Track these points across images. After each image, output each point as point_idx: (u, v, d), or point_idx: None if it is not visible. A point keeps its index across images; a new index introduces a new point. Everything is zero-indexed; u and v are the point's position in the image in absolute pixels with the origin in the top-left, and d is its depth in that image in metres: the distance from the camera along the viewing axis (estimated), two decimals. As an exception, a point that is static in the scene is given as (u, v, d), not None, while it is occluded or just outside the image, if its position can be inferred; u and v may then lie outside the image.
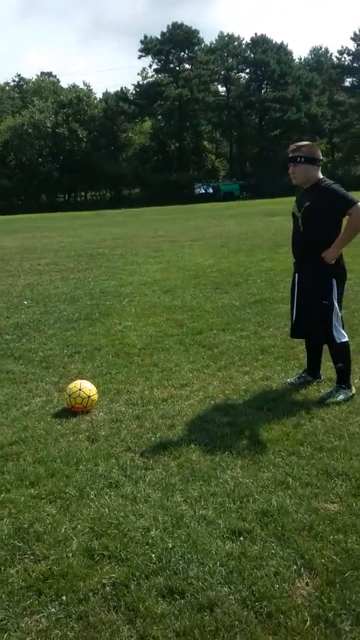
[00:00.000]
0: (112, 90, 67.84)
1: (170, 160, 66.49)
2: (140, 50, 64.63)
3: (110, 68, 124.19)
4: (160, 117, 66.67)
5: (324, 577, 2.32)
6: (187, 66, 65.43)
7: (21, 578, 2.44)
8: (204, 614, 2.18)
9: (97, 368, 5.17)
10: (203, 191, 57.17)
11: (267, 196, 50.32)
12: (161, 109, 64.75)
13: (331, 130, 67.51)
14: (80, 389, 4.14)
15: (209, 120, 66.42)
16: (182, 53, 65.12)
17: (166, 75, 65.26)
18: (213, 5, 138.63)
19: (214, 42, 66.86)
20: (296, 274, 4.33)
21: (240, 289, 8.25)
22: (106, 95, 66.33)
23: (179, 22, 63.85)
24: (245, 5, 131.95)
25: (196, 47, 64.91)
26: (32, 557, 2.57)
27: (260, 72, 64.97)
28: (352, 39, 67.94)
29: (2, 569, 2.51)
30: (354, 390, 4.18)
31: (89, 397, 4.15)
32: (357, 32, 67.10)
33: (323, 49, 71.16)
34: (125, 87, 65.78)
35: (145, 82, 65.81)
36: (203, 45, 65.67)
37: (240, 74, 68.18)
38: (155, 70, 65.84)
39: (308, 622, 2.09)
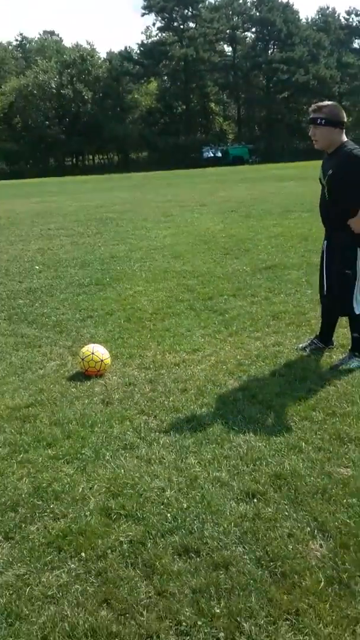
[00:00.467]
0: (116, 49, 66.07)
1: (177, 123, 65.26)
2: (144, 8, 62.79)
3: (113, 25, 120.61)
4: (165, 77, 65.12)
5: (338, 540, 2.36)
6: (191, 24, 63.54)
7: (41, 535, 2.50)
8: (219, 572, 2.24)
9: (110, 332, 5.19)
10: (211, 155, 56.27)
11: (277, 160, 49.48)
12: (166, 70, 63.15)
13: (340, 93, 65.81)
14: (93, 353, 4.17)
15: (215, 82, 64.87)
16: (186, 11, 63.13)
17: (170, 34, 63.38)
18: None
19: (218, -1, 64.70)
20: (325, 241, 4.23)
21: (250, 254, 8.20)
22: (110, 54, 64.78)
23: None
24: None
25: (200, 5, 62.84)
26: (51, 515, 2.63)
27: (267, 32, 63.09)
28: (365, -3, 65.61)
29: (23, 526, 2.57)
30: None
31: (102, 360, 4.18)
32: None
33: (330, 10, 68.89)
34: (129, 47, 64.35)
35: (149, 41, 64.04)
36: (207, 2, 63.56)
37: (246, 33, 66.23)
38: (159, 28, 64.05)
39: (322, 583, 2.14)
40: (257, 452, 3.05)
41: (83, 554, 2.38)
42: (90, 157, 65.82)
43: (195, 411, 3.57)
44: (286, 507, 2.59)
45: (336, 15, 68.45)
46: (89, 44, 68.56)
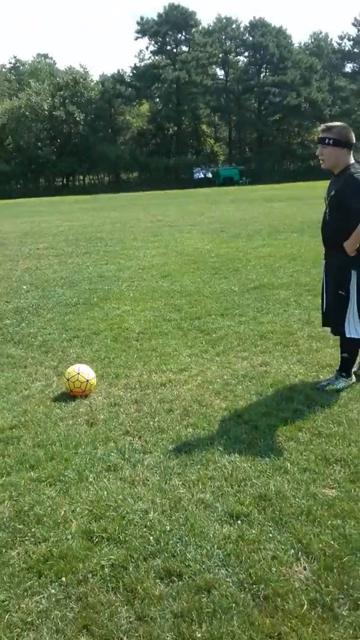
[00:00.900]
0: (108, 72, 66.96)
1: (169, 144, 66.00)
2: (137, 32, 63.87)
3: (107, 50, 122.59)
4: (157, 100, 65.96)
5: (322, 562, 2.34)
6: (184, 48, 64.66)
7: (22, 560, 2.46)
8: (201, 596, 2.21)
9: (96, 352, 5.17)
10: (202, 176, 56.88)
11: (267, 182, 50.05)
12: (159, 92, 64.00)
13: (332, 116, 66.87)
14: (78, 373, 4.15)
15: (207, 104, 65.75)
16: (179, 35, 64.31)
17: (163, 57, 64.40)
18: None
19: (212, 24, 66.03)
20: (324, 261, 4.24)
21: (239, 274, 8.24)
22: (103, 77, 65.60)
23: (176, 4, 62.98)
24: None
25: (193, 29, 64.11)
26: (32, 539, 2.59)
27: (259, 56, 64.27)
28: (353, 24, 67.36)
29: (4, 551, 2.53)
30: (354, 378, 4.19)
31: (87, 381, 4.15)
32: (358, 18, 66.50)
33: (323, 34, 70.31)
34: (122, 69, 65.27)
35: (142, 64, 64.99)
36: (200, 27, 64.85)
37: (238, 57, 67.40)
38: (152, 52, 65.07)
39: (305, 606, 2.12)
40: (242, 473, 3.03)
41: (64, 579, 2.34)
42: (81, 177, 66.21)
43: (180, 432, 3.55)
44: (270, 528, 2.57)
45: (329, 39, 69.83)
46: (82, 67, 69.43)
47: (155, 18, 62.71)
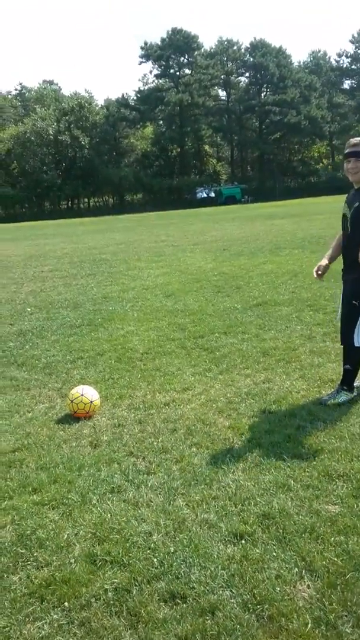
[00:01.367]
0: (113, 96, 68.16)
1: (172, 165, 66.75)
2: (141, 56, 65.11)
3: (111, 74, 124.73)
4: (161, 122, 66.99)
5: (325, 580, 2.32)
6: (187, 71, 65.80)
7: (24, 585, 2.45)
8: (205, 618, 2.18)
9: (100, 373, 5.18)
10: (205, 195, 57.38)
11: (268, 199, 50.39)
12: (162, 114, 65.07)
13: (331, 133, 67.59)
14: (82, 394, 4.16)
15: (209, 125, 66.66)
16: (182, 58, 65.51)
17: (167, 80, 65.60)
18: (212, 10, 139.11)
19: (214, 46, 67.22)
20: (343, 277, 4.26)
21: (241, 292, 8.26)
22: (107, 101, 66.69)
23: (179, 28, 64.24)
24: (243, 11, 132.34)
25: (196, 52, 65.31)
26: (34, 564, 2.58)
27: (260, 76, 65.28)
28: (351, 41, 68.28)
29: (5, 576, 2.52)
30: (355, 392, 4.18)
31: (91, 402, 4.16)
32: (356, 35, 67.36)
33: (322, 52, 71.36)
34: (126, 93, 66.45)
35: (146, 87, 66.18)
36: (203, 50, 66.02)
37: (240, 78, 68.52)
38: (155, 75, 66.27)
39: (309, 625, 2.09)
40: (246, 491, 3.01)
41: (66, 604, 2.33)
42: (86, 200, 67.00)
43: (184, 451, 3.54)
44: (274, 547, 2.55)
45: (327, 57, 70.83)
46: (87, 92, 70.78)
47: (159, 42, 63.93)
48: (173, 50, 63.85)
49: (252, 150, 69.10)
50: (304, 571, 2.38)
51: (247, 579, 2.37)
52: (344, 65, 69.14)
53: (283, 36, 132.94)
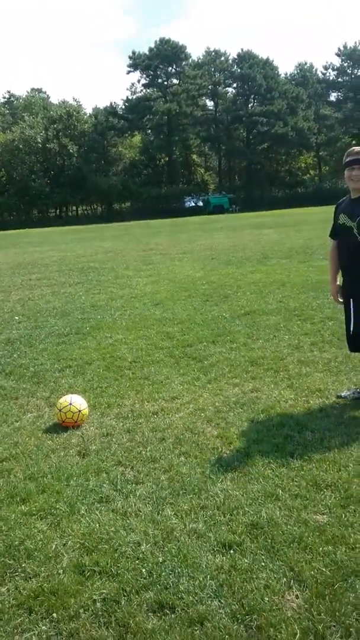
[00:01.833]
0: (101, 105, 68.36)
1: (160, 174, 67.06)
2: (129, 66, 65.47)
3: (99, 83, 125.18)
4: (149, 131, 67.36)
5: (314, 590, 2.32)
6: (175, 81, 66.30)
7: (12, 596, 2.43)
8: (194, 629, 2.18)
9: (88, 382, 5.17)
10: (193, 204, 57.71)
11: (256, 209, 50.75)
12: (150, 124, 65.45)
13: (318, 144, 68.38)
14: (70, 404, 4.15)
15: (197, 134, 67.16)
16: (170, 68, 66.01)
17: (155, 90, 66.07)
18: (200, 21, 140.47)
19: (201, 57, 67.86)
20: (349, 286, 4.28)
21: (229, 301, 8.30)
22: (96, 110, 66.87)
23: (167, 38, 64.77)
24: (231, 22, 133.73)
25: (184, 62, 65.86)
26: (22, 575, 2.56)
27: (247, 87, 65.98)
28: (337, 54, 69.17)
29: (-8, 587, 2.50)
30: None
31: (79, 411, 4.15)
32: (342, 48, 68.30)
33: (308, 65, 72.22)
34: (114, 102, 66.61)
35: (134, 97, 66.53)
36: (190, 60, 66.57)
37: (227, 88, 69.16)
38: (143, 85, 66.67)
39: (298, 635, 2.10)
40: (235, 501, 3.02)
41: (55, 615, 2.31)
42: (74, 208, 66.97)
43: (172, 460, 3.54)
44: (262, 557, 2.56)
45: (314, 70, 71.66)
46: (76, 100, 70.91)
47: (147, 52, 64.35)
48: (161, 60, 64.37)
49: (240, 160, 69.64)
50: (292, 581, 2.39)
51: (236, 589, 2.37)
52: (330, 78, 70.08)
53: (270, 48, 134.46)
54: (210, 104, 69.33)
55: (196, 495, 3.12)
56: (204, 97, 68.23)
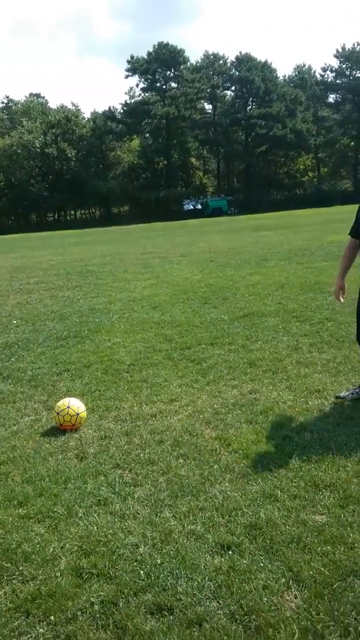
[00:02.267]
0: (100, 109, 68.51)
1: (159, 178, 67.18)
2: (127, 70, 65.66)
3: (98, 88, 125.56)
4: (148, 135, 67.49)
5: (313, 590, 2.32)
6: (173, 85, 66.48)
7: (9, 599, 2.42)
8: (192, 630, 2.17)
9: (86, 385, 5.16)
10: (191, 207, 57.81)
11: (255, 211, 50.82)
12: (149, 127, 65.56)
13: (317, 146, 68.54)
14: (68, 407, 4.14)
15: (196, 138, 67.28)
16: (169, 72, 66.17)
17: (153, 93, 66.21)
18: (198, 25, 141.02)
19: (200, 60, 68.07)
20: None
21: (228, 303, 8.30)
22: (94, 114, 67.01)
23: (165, 42, 64.93)
24: (229, 25, 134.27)
25: (182, 66, 66.04)
26: (20, 578, 2.55)
27: (246, 90, 66.14)
28: (335, 56, 69.42)
29: (-10, 590, 2.49)
30: None
31: (77, 414, 4.14)
32: (340, 50, 68.52)
33: (307, 67, 72.51)
34: (113, 107, 66.79)
35: (132, 101, 66.68)
36: (189, 64, 66.77)
37: (225, 91, 69.36)
38: (142, 89, 66.86)
39: (296, 635, 2.09)
40: (233, 502, 3.01)
41: (52, 617, 2.30)
42: (73, 212, 67.07)
43: (171, 463, 3.53)
44: (261, 558, 2.55)
45: (312, 71, 71.93)
46: (74, 105, 71.07)
47: (145, 56, 64.52)
48: (159, 64, 64.54)
49: (238, 162, 69.80)
50: (291, 581, 2.38)
51: (235, 589, 2.36)
52: (329, 80, 70.31)
53: (268, 50, 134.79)
54: (208, 107, 69.63)
55: (194, 497, 3.11)
56: (202, 101, 68.44)
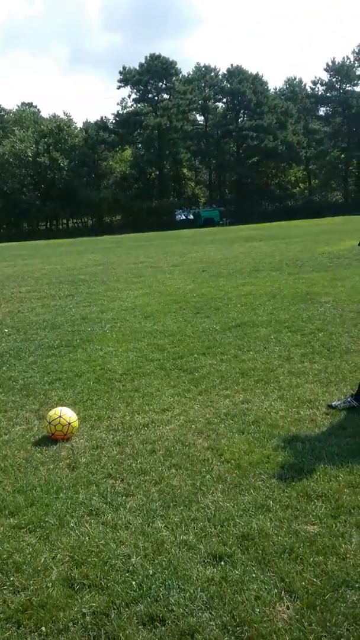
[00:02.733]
0: (92, 119, 68.78)
1: (151, 188, 67.42)
2: (120, 81, 66.05)
3: (90, 98, 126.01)
4: (140, 145, 67.83)
5: (305, 600, 2.32)
6: (165, 96, 66.93)
7: (0, 610, 2.40)
8: (185, 641, 2.16)
9: (78, 394, 5.15)
10: (184, 217, 58.02)
11: (246, 222, 51.07)
12: (141, 138, 65.95)
13: (307, 158, 69.17)
14: (60, 416, 4.13)
15: (188, 149, 67.71)
16: (161, 83, 66.67)
17: (145, 104, 66.64)
18: (190, 37, 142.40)
19: (191, 72, 68.62)
20: None
21: (220, 313, 8.32)
22: (86, 124, 67.26)
23: (157, 54, 65.45)
24: (221, 38, 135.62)
25: (174, 78, 66.56)
26: (11, 589, 2.53)
27: (237, 102, 66.76)
28: (325, 69, 70.27)
29: (-20, 601, 2.46)
30: None
31: (69, 424, 4.13)
32: (330, 63, 69.36)
33: (297, 80, 73.37)
34: (105, 117, 66.97)
35: (124, 111, 67.04)
36: (180, 75, 67.32)
37: (217, 103, 69.96)
38: (134, 100, 67.27)
39: (289, 646, 2.09)
40: (225, 512, 3.01)
41: (43, 629, 2.29)
42: (65, 221, 67.08)
43: (163, 472, 3.53)
44: (253, 568, 2.55)
45: (303, 85, 72.79)
46: (66, 114, 71.29)
47: (137, 68, 64.97)
48: (151, 75, 65.02)
49: (230, 173, 70.26)
50: (283, 592, 2.38)
51: (227, 600, 2.36)
52: (319, 93, 71.11)
53: (259, 63, 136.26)
54: (200, 118, 70.09)
55: (187, 507, 3.10)
56: (194, 112, 68.91)
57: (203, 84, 68.28)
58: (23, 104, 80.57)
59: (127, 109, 67.27)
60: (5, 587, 2.54)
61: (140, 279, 13.10)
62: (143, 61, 65.41)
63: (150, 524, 2.96)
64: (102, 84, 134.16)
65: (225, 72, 67.66)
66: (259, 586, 2.43)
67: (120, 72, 65.66)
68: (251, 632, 2.17)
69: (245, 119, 67.10)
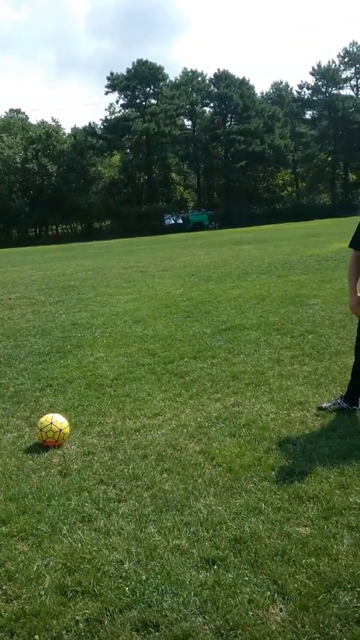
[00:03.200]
0: (80, 125, 68.73)
1: (140, 193, 67.48)
2: (107, 87, 66.08)
3: (78, 104, 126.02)
4: (128, 150, 67.89)
5: (298, 602, 2.32)
6: (153, 101, 67.05)
7: (-8, 619, 2.39)
8: (178, 646, 2.16)
9: (69, 401, 5.14)
10: (173, 222, 58.03)
11: (235, 225, 51.24)
12: (129, 143, 66.00)
13: (295, 161, 69.57)
14: (51, 423, 4.11)
15: (176, 153, 67.86)
16: (148, 88, 66.78)
17: (133, 110, 66.73)
18: (177, 42, 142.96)
19: (179, 77, 68.78)
20: None
21: (210, 316, 8.34)
22: (75, 130, 67.20)
23: (144, 59, 65.59)
24: (207, 43, 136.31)
25: (161, 83, 66.71)
26: (3, 597, 2.52)
27: (224, 106, 67.02)
28: (311, 73, 70.76)
29: (-28, 611, 2.45)
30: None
31: (60, 430, 4.12)
32: (316, 67, 69.87)
33: (284, 84, 73.72)
34: (93, 122, 66.93)
35: (112, 117, 67.03)
36: (168, 81, 67.48)
37: (204, 108, 70.14)
38: (122, 105, 67.29)
39: (282, 648, 2.09)
40: (217, 516, 3.02)
41: (37, 637, 2.28)
42: (54, 227, 66.93)
43: (155, 477, 3.53)
44: (246, 571, 2.55)
45: (289, 89, 73.16)
46: (54, 120, 71.27)
47: (125, 73, 65.06)
48: (139, 80, 65.12)
49: (218, 177, 70.43)
50: (276, 594, 2.39)
51: (220, 604, 2.36)
52: (305, 97, 71.60)
53: (246, 68, 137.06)
54: (188, 123, 70.22)
55: (179, 511, 3.11)
56: (181, 117, 69.07)
57: (190, 89, 68.49)
58: (11, 110, 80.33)
59: (115, 115, 67.32)
60: (-3, 596, 2.53)
61: (130, 284, 13.10)
62: (130, 67, 65.58)
63: (143, 529, 2.96)
64: (90, 89, 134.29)
65: (212, 77, 67.96)
66: (252, 589, 2.43)
67: (108, 78, 65.72)
68: (245, 636, 2.18)
69: (232, 123, 67.38)
